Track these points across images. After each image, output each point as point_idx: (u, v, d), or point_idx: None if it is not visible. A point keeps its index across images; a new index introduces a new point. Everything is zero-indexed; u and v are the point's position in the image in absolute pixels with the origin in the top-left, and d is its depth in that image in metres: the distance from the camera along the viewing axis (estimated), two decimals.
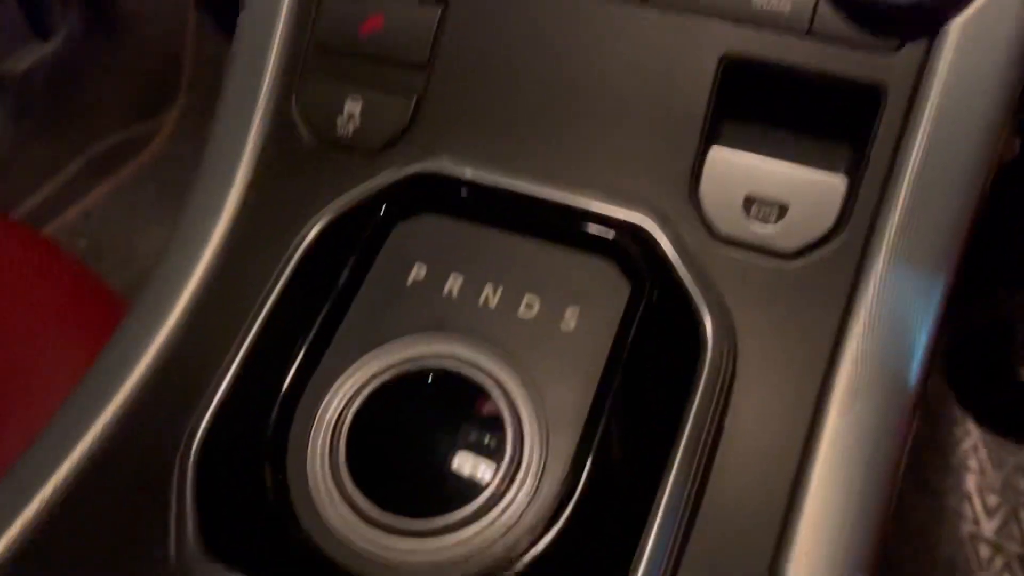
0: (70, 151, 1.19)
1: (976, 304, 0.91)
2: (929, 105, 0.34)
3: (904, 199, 0.34)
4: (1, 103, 1.09)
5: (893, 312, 0.33)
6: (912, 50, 0.34)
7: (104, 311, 0.52)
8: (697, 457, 0.32)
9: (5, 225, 0.55)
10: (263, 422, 0.34)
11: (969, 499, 0.91)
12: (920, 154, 0.34)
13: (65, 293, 0.53)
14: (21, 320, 0.51)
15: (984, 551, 0.87)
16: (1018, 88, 0.34)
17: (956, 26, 0.34)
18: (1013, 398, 0.94)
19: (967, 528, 0.89)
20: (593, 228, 0.36)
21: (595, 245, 0.36)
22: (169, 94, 1.26)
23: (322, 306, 0.36)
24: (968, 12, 0.34)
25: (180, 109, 1.26)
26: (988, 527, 0.88)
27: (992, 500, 0.90)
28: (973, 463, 0.93)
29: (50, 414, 0.36)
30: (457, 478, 0.32)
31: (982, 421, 0.94)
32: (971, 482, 0.92)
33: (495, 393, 0.33)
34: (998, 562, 0.87)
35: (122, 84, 1.21)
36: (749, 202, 0.36)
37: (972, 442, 0.94)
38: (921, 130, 0.34)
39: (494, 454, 0.32)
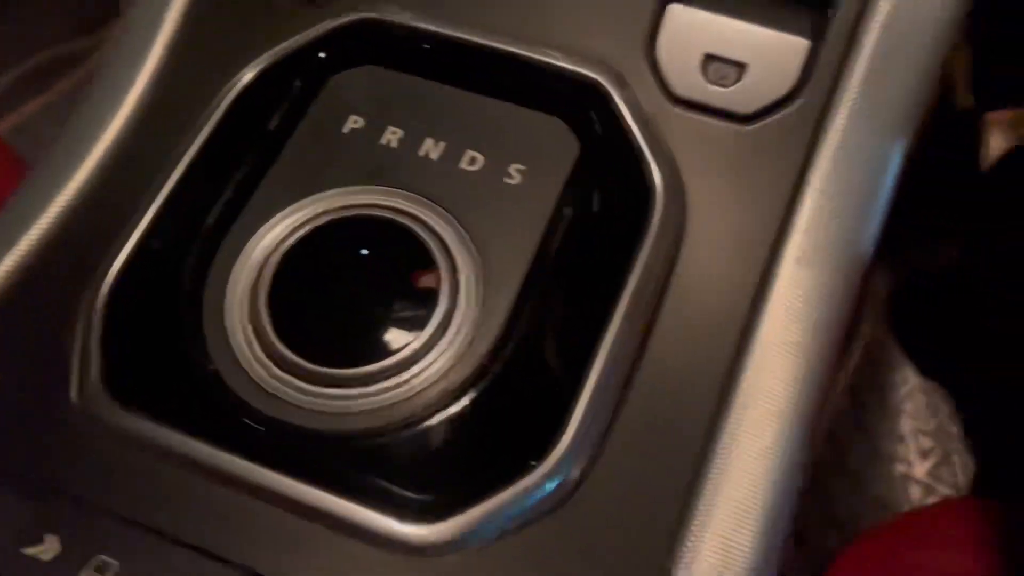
0: (3, 64, 1.14)
1: (919, 252, 0.92)
2: None
3: (867, 63, 0.33)
4: None
5: (849, 178, 0.32)
6: None
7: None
8: (639, 315, 0.31)
9: None
10: (181, 264, 0.31)
11: (903, 441, 0.91)
12: (885, 17, 0.33)
13: None
14: None
15: (915, 491, 0.88)
16: None
17: None
18: (952, 346, 0.95)
19: (900, 468, 0.90)
20: (544, 83, 0.34)
21: (545, 102, 0.34)
22: (109, 10, 1.20)
23: (251, 151, 0.34)
24: None
25: (120, 26, 1.20)
26: (920, 469, 0.89)
27: (926, 443, 0.91)
28: (909, 407, 0.93)
29: None
30: (385, 329, 0.30)
31: (922, 368, 0.94)
32: (907, 426, 0.92)
33: (431, 244, 0.31)
34: (929, 502, 0.88)
35: None
36: (707, 63, 0.34)
37: (909, 388, 0.95)
38: None
39: (426, 306, 0.31)
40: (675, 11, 0.34)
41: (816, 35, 0.34)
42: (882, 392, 0.94)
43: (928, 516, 0.38)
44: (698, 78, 0.34)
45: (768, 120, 0.33)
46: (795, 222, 0.32)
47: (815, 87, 0.33)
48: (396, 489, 0.28)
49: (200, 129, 0.34)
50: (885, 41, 0.33)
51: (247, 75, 0.35)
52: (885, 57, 0.33)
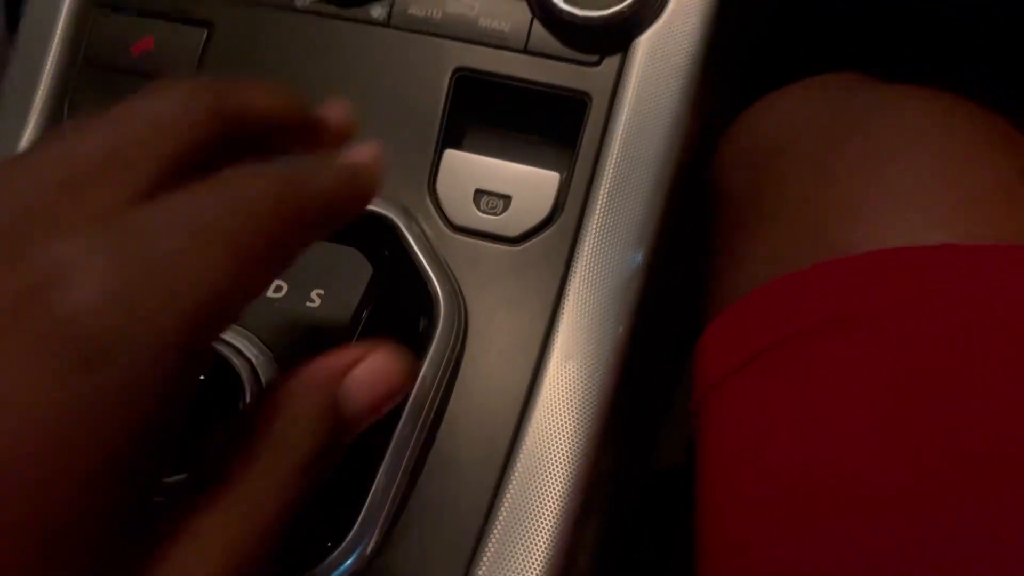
0: None
1: None
2: (625, 109, 0.40)
3: (606, 190, 0.39)
4: None
5: (600, 284, 0.38)
6: (610, 63, 0.40)
7: None
8: (424, 413, 0.35)
9: None
10: None
11: None
12: (618, 151, 0.39)
13: None
14: None
15: None
16: (699, 91, 0.40)
17: (643, 41, 0.40)
18: None
19: None
20: None
21: (344, 235, 0.39)
22: None
23: None
24: (652, 29, 0.40)
25: None
26: None
27: None
28: None
29: None
30: (192, 446, 0.34)
31: None
32: None
33: (238, 365, 0.36)
34: None
35: None
36: (479, 196, 0.40)
37: None
38: (619, 131, 0.40)
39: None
40: (450, 155, 0.41)
41: (565, 169, 0.40)
42: None
43: None
44: (472, 209, 0.40)
45: (532, 241, 0.39)
46: (559, 323, 0.38)
47: (568, 212, 0.39)
48: None
49: None
50: (620, 168, 0.39)
51: None
52: (622, 181, 0.39)
